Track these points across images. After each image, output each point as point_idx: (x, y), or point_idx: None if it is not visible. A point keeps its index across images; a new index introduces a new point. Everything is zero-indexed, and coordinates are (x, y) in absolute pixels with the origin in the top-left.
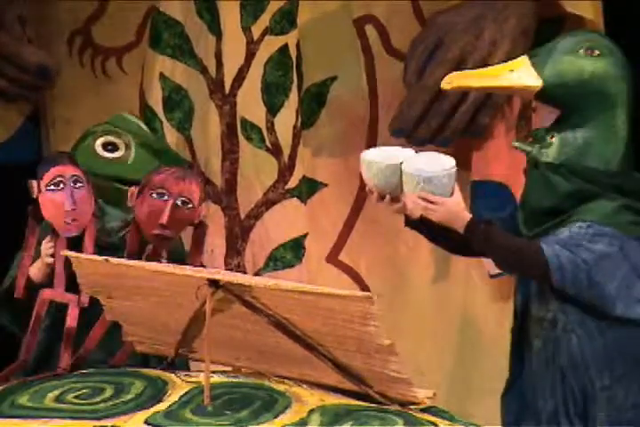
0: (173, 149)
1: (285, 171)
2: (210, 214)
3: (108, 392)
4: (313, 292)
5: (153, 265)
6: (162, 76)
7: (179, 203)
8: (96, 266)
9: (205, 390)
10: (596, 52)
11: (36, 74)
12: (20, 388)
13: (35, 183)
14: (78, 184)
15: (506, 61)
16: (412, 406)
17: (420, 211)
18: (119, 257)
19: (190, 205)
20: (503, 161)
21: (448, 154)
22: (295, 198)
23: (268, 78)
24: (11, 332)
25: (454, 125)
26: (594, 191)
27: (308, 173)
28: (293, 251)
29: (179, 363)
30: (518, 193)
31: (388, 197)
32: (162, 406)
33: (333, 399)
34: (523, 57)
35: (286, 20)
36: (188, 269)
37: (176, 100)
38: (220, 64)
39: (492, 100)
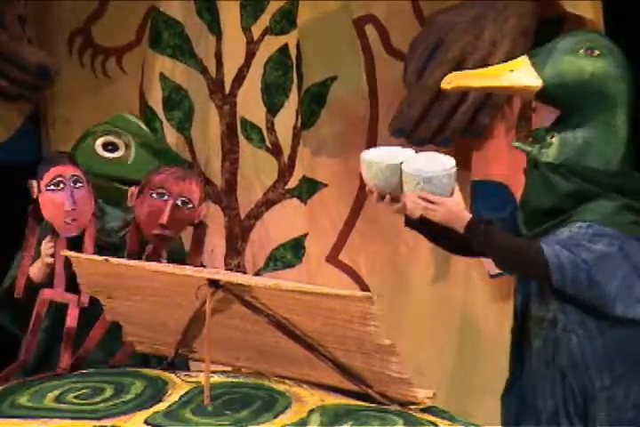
0: (173, 149)
1: (285, 171)
2: (210, 214)
3: (108, 392)
4: (313, 292)
5: (153, 265)
6: (162, 76)
7: (179, 203)
8: (96, 266)
9: (205, 390)
10: (596, 52)
11: (36, 74)
12: (20, 388)
13: (35, 183)
14: (78, 184)
15: (506, 61)
16: (411, 406)
17: (419, 211)
18: (119, 257)
19: (190, 205)
20: (503, 161)
21: (448, 154)
22: (295, 198)
23: (268, 78)
24: (11, 332)
25: (454, 125)
26: (594, 191)
27: (308, 173)
28: (293, 251)
29: (179, 363)
30: (518, 193)
31: (388, 197)
32: (162, 406)
33: (333, 399)
34: (523, 57)
35: (286, 20)
36: (187, 270)
37: (176, 100)
38: (219, 64)
39: (492, 100)
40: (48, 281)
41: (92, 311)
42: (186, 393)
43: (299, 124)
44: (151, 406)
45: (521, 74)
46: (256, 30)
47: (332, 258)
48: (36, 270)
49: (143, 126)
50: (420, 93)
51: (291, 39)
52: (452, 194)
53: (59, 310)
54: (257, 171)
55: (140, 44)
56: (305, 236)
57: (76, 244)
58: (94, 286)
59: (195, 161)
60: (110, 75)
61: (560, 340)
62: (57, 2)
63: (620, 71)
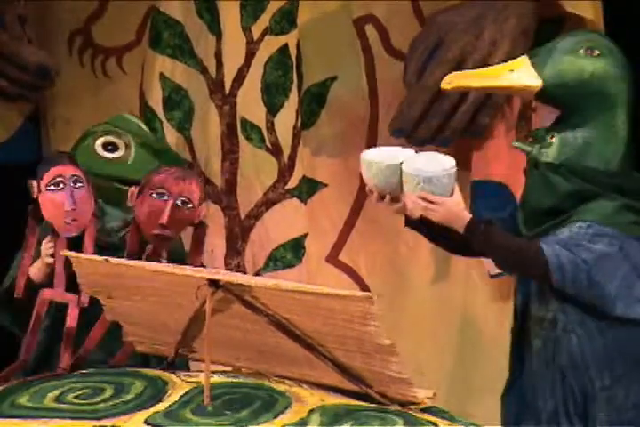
0: (173, 149)
1: (285, 171)
2: (210, 214)
3: (108, 392)
4: (313, 292)
5: (153, 265)
6: (162, 76)
7: (179, 203)
8: (96, 266)
9: (205, 390)
10: (596, 52)
11: (35, 74)
12: (20, 388)
13: (35, 183)
14: (78, 184)
15: (506, 61)
16: (411, 406)
17: (419, 211)
18: (119, 257)
19: (190, 206)
20: (503, 161)
21: (448, 154)
22: (295, 198)
23: (268, 78)
24: (11, 332)
25: (454, 125)
26: (594, 191)
27: (307, 173)
28: (293, 251)
29: (179, 363)
30: (518, 193)
31: (388, 197)
32: (162, 406)
33: (333, 399)
34: (523, 57)
35: (286, 20)
36: (187, 269)
37: (176, 100)
38: (219, 64)
39: (492, 100)
40: (48, 281)
41: (92, 311)
42: (186, 393)
43: (299, 124)
44: (151, 407)
45: (521, 74)
46: (256, 30)
47: (332, 258)
48: (35, 270)
49: (143, 126)
50: (420, 93)
51: (291, 39)
52: (451, 194)
53: (59, 310)
54: (257, 171)
55: (140, 44)
56: (305, 236)
57: (76, 244)
58: (94, 286)
59: (195, 161)
60: (110, 75)
61: (560, 340)
62: (57, 2)
63: (620, 71)
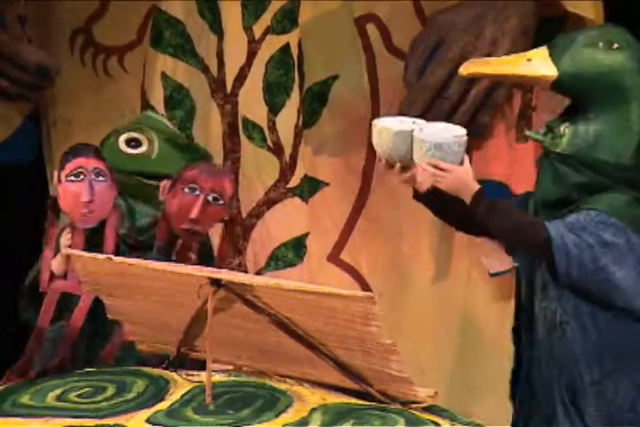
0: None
1: (287, 170)
2: None
3: (110, 391)
4: (314, 291)
5: (155, 264)
6: (163, 75)
7: (210, 199)
8: (98, 264)
9: (207, 388)
10: (615, 46)
11: (36, 74)
12: (22, 387)
13: (55, 173)
14: (100, 177)
15: None
16: (412, 405)
17: (429, 178)
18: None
19: (221, 202)
20: (503, 160)
21: None
22: (296, 197)
23: (270, 77)
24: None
25: None
26: (604, 184)
27: (309, 172)
28: (295, 250)
29: (180, 362)
30: (518, 192)
31: (397, 165)
32: (163, 405)
33: (335, 398)
34: (542, 47)
35: (288, 19)
36: (189, 268)
37: (177, 99)
38: (221, 63)
39: (492, 100)
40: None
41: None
42: (187, 392)
43: (300, 123)
44: (153, 405)
45: (538, 63)
46: (257, 29)
47: (334, 257)
48: (56, 264)
49: (168, 123)
50: (421, 93)
51: (292, 38)
52: (461, 163)
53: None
54: (258, 170)
55: (142, 43)
56: (306, 235)
57: (95, 235)
58: (96, 285)
59: None
60: (112, 74)
61: (556, 332)
62: (57, 2)
63: (638, 65)
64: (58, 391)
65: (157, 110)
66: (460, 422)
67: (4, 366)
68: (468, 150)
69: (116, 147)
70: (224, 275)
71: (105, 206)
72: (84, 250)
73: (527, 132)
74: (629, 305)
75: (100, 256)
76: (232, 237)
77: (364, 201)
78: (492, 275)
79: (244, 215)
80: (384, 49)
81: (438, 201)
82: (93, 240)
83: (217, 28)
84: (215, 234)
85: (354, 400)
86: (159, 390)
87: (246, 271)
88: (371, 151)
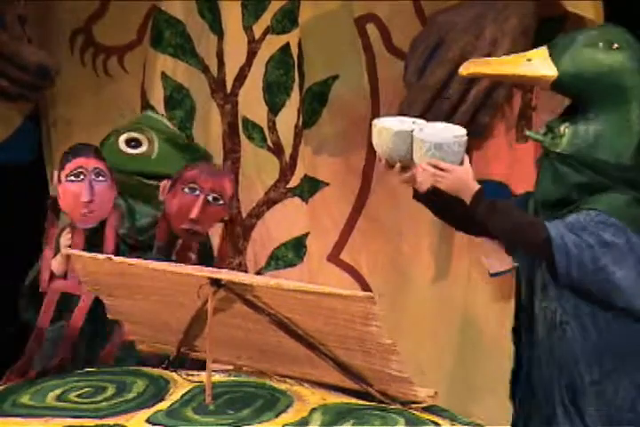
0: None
1: (287, 170)
2: None
3: (110, 391)
4: (314, 291)
5: (155, 264)
6: (163, 75)
7: (210, 199)
8: (98, 264)
9: (207, 388)
10: (615, 46)
11: (35, 74)
12: (22, 387)
13: (55, 173)
14: (100, 177)
15: None
16: (412, 405)
17: (429, 178)
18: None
19: (221, 202)
20: (503, 160)
21: None
22: (296, 197)
23: (270, 77)
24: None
25: None
26: (604, 184)
27: (309, 172)
28: (295, 250)
29: (180, 362)
30: (518, 192)
31: (397, 165)
32: (164, 405)
33: (335, 398)
34: (542, 47)
35: (288, 19)
36: (189, 268)
37: (177, 99)
38: (221, 63)
39: (492, 100)
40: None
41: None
42: (187, 392)
43: (300, 123)
44: (153, 405)
45: (538, 63)
46: (257, 29)
47: (334, 257)
48: (56, 264)
49: (168, 123)
50: (421, 93)
51: (292, 38)
52: (461, 163)
53: (71, 310)
54: (258, 170)
55: (142, 43)
56: (306, 235)
57: (95, 235)
58: (96, 285)
59: None
60: (112, 74)
61: (556, 332)
62: (57, 2)
63: (638, 65)
64: (58, 391)
65: (157, 110)
66: (460, 422)
67: (4, 366)
68: (468, 150)
69: (116, 147)
70: (224, 275)
71: (105, 206)
72: (84, 250)
73: (527, 133)
74: (629, 305)
75: (100, 256)
76: (232, 237)
77: (364, 201)
78: (492, 275)
79: (244, 215)
80: (384, 49)
81: (438, 201)
82: (93, 240)
83: (217, 28)
84: (215, 234)
85: (354, 400)
86: (159, 390)
87: (246, 271)
88: (371, 151)
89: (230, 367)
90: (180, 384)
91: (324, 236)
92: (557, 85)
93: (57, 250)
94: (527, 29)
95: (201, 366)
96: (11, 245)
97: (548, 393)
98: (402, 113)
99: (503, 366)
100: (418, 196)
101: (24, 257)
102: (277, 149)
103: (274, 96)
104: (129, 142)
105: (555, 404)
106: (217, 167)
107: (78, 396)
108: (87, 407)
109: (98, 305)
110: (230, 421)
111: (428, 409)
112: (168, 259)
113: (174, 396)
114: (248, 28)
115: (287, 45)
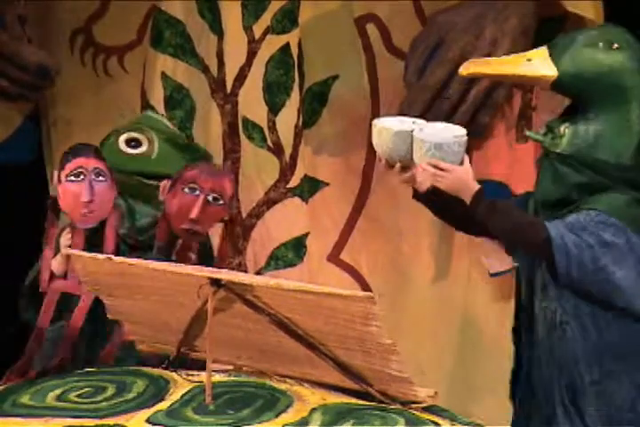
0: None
1: (287, 170)
2: None
3: (110, 391)
4: (314, 291)
5: (155, 264)
6: (163, 75)
7: (210, 199)
8: (98, 264)
9: (207, 388)
10: (615, 46)
11: (35, 74)
12: (22, 387)
13: (55, 173)
14: (100, 177)
15: None
16: (412, 405)
17: (428, 178)
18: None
19: (221, 202)
20: (503, 160)
21: None
22: (296, 197)
23: (270, 77)
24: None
25: None
26: (604, 184)
27: (309, 172)
28: (295, 250)
29: (180, 362)
30: (518, 192)
31: (397, 165)
32: (164, 405)
33: (335, 398)
34: (542, 47)
35: (288, 19)
36: (189, 268)
37: (177, 99)
38: (221, 63)
39: (492, 100)
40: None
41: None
42: (187, 392)
43: (300, 123)
44: (153, 405)
45: (538, 63)
46: (257, 29)
47: (334, 257)
48: (56, 264)
49: (168, 123)
50: (421, 93)
51: (292, 38)
52: (461, 163)
53: (71, 310)
54: (258, 170)
55: (142, 43)
56: (306, 235)
57: (95, 235)
58: (96, 285)
59: None
60: (112, 74)
61: (556, 332)
62: (57, 2)
63: (638, 65)
64: (58, 391)
65: (157, 110)
66: (460, 422)
67: (4, 366)
68: (468, 150)
69: (116, 147)
70: (224, 275)
71: (105, 206)
72: (84, 250)
73: (527, 133)
74: (629, 305)
75: (100, 256)
76: (232, 237)
77: (364, 201)
78: (492, 275)
79: (244, 215)
80: (384, 49)
81: (438, 201)
82: (93, 240)
83: (217, 28)
84: (215, 234)
85: (354, 400)
86: (159, 390)
87: (246, 271)
88: (371, 151)
89: (230, 367)
90: (180, 384)
91: (324, 236)
92: (557, 85)
93: (57, 250)
94: (527, 29)
95: (201, 366)
96: (11, 245)
97: (548, 393)
98: (402, 113)
99: (503, 366)
100: (418, 196)
101: (24, 257)
102: (277, 149)
103: (274, 96)
104: (129, 142)
105: (555, 404)
106: (217, 167)
107: (78, 396)
108: (87, 407)
109: (98, 305)
110: (230, 421)
111: (428, 409)
112: (168, 259)
113: (174, 396)
114: (248, 28)
115: (287, 45)
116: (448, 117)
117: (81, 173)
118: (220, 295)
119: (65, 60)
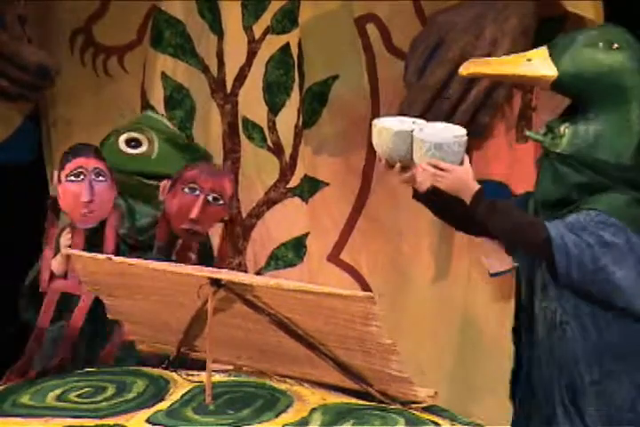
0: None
1: (287, 170)
2: None
3: (110, 391)
4: (314, 291)
5: (155, 264)
6: (163, 75)
7: (210, 199)
8: (98, 264)
9: (207, 388)
10: (615, 46)
11: (35, 74)
12: (22, 387)
13: (55, 173)
14: (100, 177)
15: None
16: (412, 405)
17: (428, 178)
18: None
19: (221, 202)
20: (503, 160)
21: None
22: (296, 197)
23: (270, 77)
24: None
25: None
26: (604, 184)
27: (309, 172)
28: (295, 250)
29: (180, 362)
30: (518, 192)
31: (397, 165)
32: (164, 405)
33: (335, 398)
34: (542, 47)
35: (288, 19)
36: (189, 268)
37: (177, 99)
38: (221, 63)
39: (492, 100)
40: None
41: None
42: (187, 392)
43: (300, 123)
44: (153, 405)
45: (538, 63)
46: (257, 29)
47: (334, 257)
48: (56, 264)
49: (168, 123)
50: (421, 93)
51: (292, 38)
52: (461, 163)
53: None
54: (258, 170)
55: (142, 43)
56: (306, 235)
57: (95, 235)
58: (96, 285)
59: None
60: (112, 74)
61: (556, 332)
62: (57, 2)
63: (638, 65)
64: (58, 391)
65: (157, 110)
66: (460, 422)
67: (4, 366)
68: (468, 150)
69: (116, 147)
70: (224, 275)
71: (105, 206)
72: (84, 250)
73: (527, 133)
74: (629, 305)
75: (100, 256)
76: (232, 237)
77: (364, 201)
78: (492, 275)
79: (244, 215)
80: (384, 49)
81: (438, 201)
82: (93, 240)
83: (217, 28)
84: (215, 234)
85: (354, 400)
86: (159, 390)
87: (246, 271)
88: (371, 151)
89: (230, 367)
90: (180, 384)
91: (324, 236)
92: (557, 85)
93: (57, 250)
94: (527, 29)
95: (201, 366)
96: (11, 245)
97: (548, 393)
98: (402, 113)
99: (503, 366)
100: (418, 196)
101: (24, 257)
102: (277, 149)
103: (274, 96)
104: (129, 142)
105: (555, 404)
106: (217, 167)
107: (78, 396)
108: (87, 407)
109: (98, 305)
110: (230, 421)
111: (428, 409)
112: (168, 259)
113: (174, 396)
114: (248, 28)
115: (287, 45)
116: (448, 117)
117: (81, 173)
118: (220, 295)
119: (65, 60)
